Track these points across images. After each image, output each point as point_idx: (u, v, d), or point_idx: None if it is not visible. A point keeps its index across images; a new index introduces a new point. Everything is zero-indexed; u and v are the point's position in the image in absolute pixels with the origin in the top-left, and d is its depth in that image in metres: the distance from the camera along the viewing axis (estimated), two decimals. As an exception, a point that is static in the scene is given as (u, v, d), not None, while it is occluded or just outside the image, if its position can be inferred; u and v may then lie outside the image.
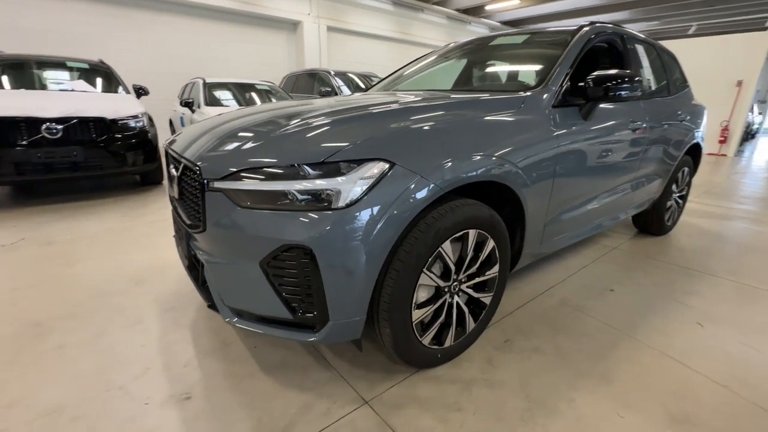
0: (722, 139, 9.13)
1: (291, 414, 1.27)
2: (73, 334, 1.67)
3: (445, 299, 1.42)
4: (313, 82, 6.94)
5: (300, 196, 1.10)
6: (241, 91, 5.79)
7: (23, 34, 6.73)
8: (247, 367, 1.49)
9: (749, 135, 12.81)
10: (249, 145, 1.22)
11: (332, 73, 6.64)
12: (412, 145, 1.21)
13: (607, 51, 2.33)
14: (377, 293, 1.24)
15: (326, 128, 1.25)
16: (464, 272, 1.44)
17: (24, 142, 3.31)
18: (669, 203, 3.01)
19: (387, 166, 1.14)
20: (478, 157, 1.33)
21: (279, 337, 1.23)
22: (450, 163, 1.24)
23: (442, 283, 1.36)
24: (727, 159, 8.63)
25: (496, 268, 1.56)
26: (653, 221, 3.00)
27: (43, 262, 2.41)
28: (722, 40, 8.88)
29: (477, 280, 1.51)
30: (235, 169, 1.16)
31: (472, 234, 1.39)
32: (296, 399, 1.33)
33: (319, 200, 1.10)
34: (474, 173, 1.31)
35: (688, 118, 2.81)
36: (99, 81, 4.62)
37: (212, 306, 1.36)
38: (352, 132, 1.20)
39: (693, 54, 9.13)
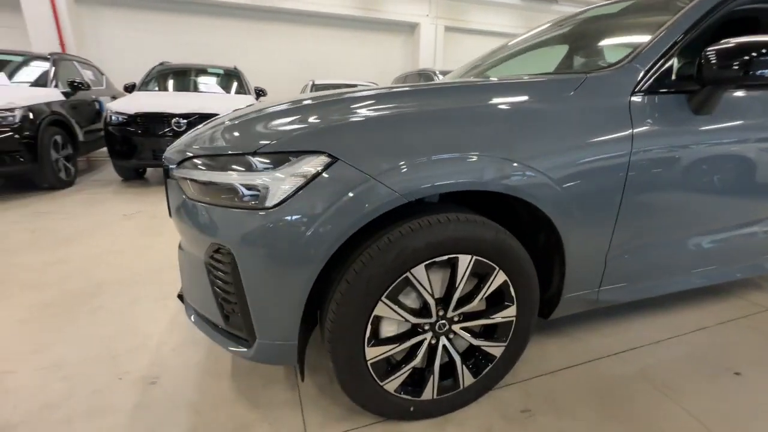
0: None
1: (225, 431, 1.15)
2: (115, 299, 1.89)
3: (425, 340, 1.10)
4: (419, 81, 6.85)
5: (226, 190, 0.96)
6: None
7: (181, 46, 8.44)
8: (222, 365, 1.44)
9: None
10: (206, 133, 1.13)
11: (437, 72, 6.43)
12: (369, 137, 0.94)
13: (755, 25, 1.56)
14: (323, 317, 1.02)
15: (276, 117, 1.04)
16: (455, 309, 1.09)
17: (159, 133, 4.06)
18: None
19: (328, 161, 0.90)
20: (474, 159, 0.97)
21: (221, 346, 1.12)
22: (421, 164, 0.93)
23: (414, 319, 1.05)
24: None
25: (511, 311, 1.15)
26: None
27: (143, 232, 2.87)
28: None
29: (478, 322, 1.14)
30: (182, 158, 1.08)
31: (464, 261, 1.03)
32: (241, 415, 1.21)
33: (245, 196, 0.93)
34: (464, 181, 0.96)
35: None
36: (231, 84, 5.40)
37: (181, 296, 1.34)
38: (301, 120, 0.99)
39: None
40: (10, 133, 3.53)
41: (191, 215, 1.04)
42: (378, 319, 1.04)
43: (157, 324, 1.69)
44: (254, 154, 0.94)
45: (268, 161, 0.93)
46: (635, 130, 1.13)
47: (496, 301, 1.15)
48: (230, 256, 0.96)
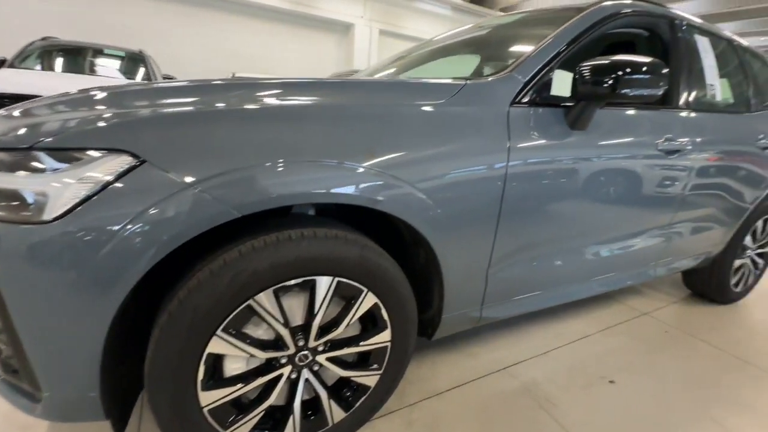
0: None
1: None
2: None
3: (282, 375, 0.94)
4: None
5: (-5, 196, 0.71)
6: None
7: (102, 27, 7.43)
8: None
9: None
10: None
11: (368, 74, 6.35)
12: (188, 135, 0.76)
13: (649, 42, 1.66)
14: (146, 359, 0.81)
15: (72, 104, 0.81)
16: (319, 338, 0.95)
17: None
18: (740, 262, 2.16)
19: (132, 163, 0.71)
20: (323, 166, 0.84)
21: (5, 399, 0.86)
22: (257, 170, 0.78)
23: (264, 354, 0.89)
24: None
25: (385, 335, 1.04)
26: (712, 284, 2.17)
27: None
28: None
29: (347, 351, 1.01)
30: None
31: (324, 284, 0.89)
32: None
33: (14, 205, 0.70)
34: (308, 192, 0.82)
35: (779, 145, 1.97)
36: (136, 69, 4.76)
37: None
38: (100, 109, 0.77)
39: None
40: None
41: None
42: (217, 357, 0.86)
43: None
44: (30, 149, 0.71)
45: (49, 160, 0.70)
46: (512, 142, 1.09)
47: (368, 326, 1.03)
48: (-5, 284, 0.71)
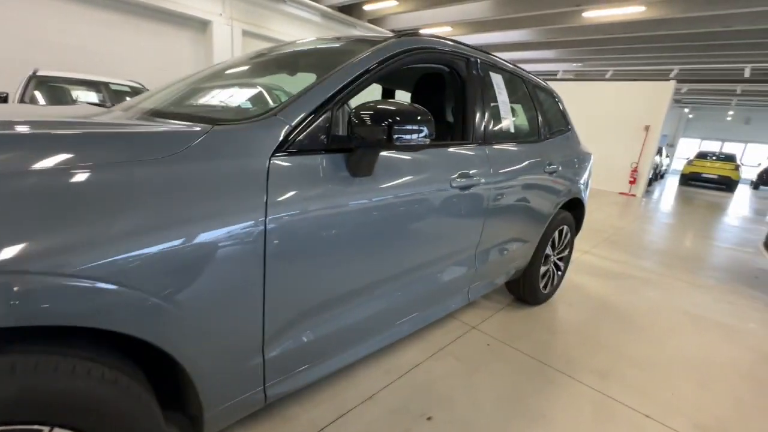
0: (632, 179, 9.45)
1: None
2: None
3: None
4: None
5: None
6: (91, 90, 4.70)
7: None
8: None
9: (658, 175, 13.72)
10: None
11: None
12: None
13: (451, 77, 1.72)
14: None
15: None
16: None
17: None
18: (545, 268, 2.48)
19: None
20: None
21: None
22: None
23: None
24: (636, 199, 8.88)
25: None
26: (525, 290, 2.44)
27: None
28: (633, 86, 9.29)
29: None
30: None
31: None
32: None
33: None
34: None
35: (562, 168, 2.30)
36: None
37: None
38: None
39: (609, 97, 9.50)
40: None
41: None
42: None
43: None
44: None
45: None
46: (272, 198, 0.93)
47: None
48: None
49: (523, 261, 2.23)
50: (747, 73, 11.32)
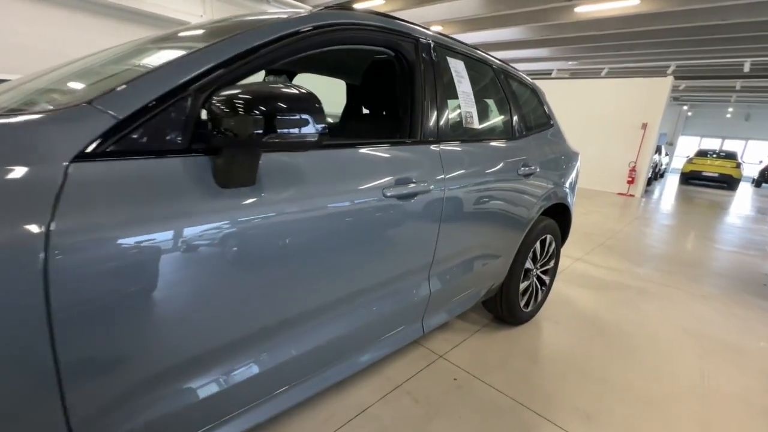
0: (630, 179, 9.14)
1: None
2: None
3: None
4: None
5: None
6: None
7: None
8: None
9: (657, 174, 13.40)
10: None
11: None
12: None
13: (398, 63, 1.43)
14: None
15: None
16: None
17: None
18: (525, 284, 2.18)
19: None
20: None
21: None
22: None
23: None
24: (634, 199, 8.57)
25: None
26: (503, 309, 2.14)
27: None
28: (629, 83, 9.00)
29: None
30: None
31: None
32: None
33: None
34: None
35: (541, 169, 2.00)
36: None
37: None
38: None
39: (605, 95, 9.21)
40: None
41: None
42: None
43: None
44: None
45: None
46: (66, 224, 0.63)
47: None
48: None
49: (496, 279, 1.93)
50: (746, 68, 11.03)
